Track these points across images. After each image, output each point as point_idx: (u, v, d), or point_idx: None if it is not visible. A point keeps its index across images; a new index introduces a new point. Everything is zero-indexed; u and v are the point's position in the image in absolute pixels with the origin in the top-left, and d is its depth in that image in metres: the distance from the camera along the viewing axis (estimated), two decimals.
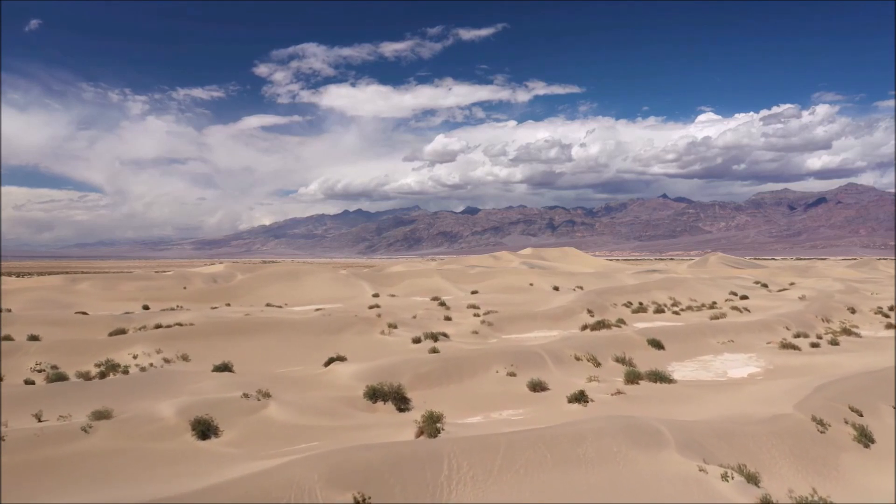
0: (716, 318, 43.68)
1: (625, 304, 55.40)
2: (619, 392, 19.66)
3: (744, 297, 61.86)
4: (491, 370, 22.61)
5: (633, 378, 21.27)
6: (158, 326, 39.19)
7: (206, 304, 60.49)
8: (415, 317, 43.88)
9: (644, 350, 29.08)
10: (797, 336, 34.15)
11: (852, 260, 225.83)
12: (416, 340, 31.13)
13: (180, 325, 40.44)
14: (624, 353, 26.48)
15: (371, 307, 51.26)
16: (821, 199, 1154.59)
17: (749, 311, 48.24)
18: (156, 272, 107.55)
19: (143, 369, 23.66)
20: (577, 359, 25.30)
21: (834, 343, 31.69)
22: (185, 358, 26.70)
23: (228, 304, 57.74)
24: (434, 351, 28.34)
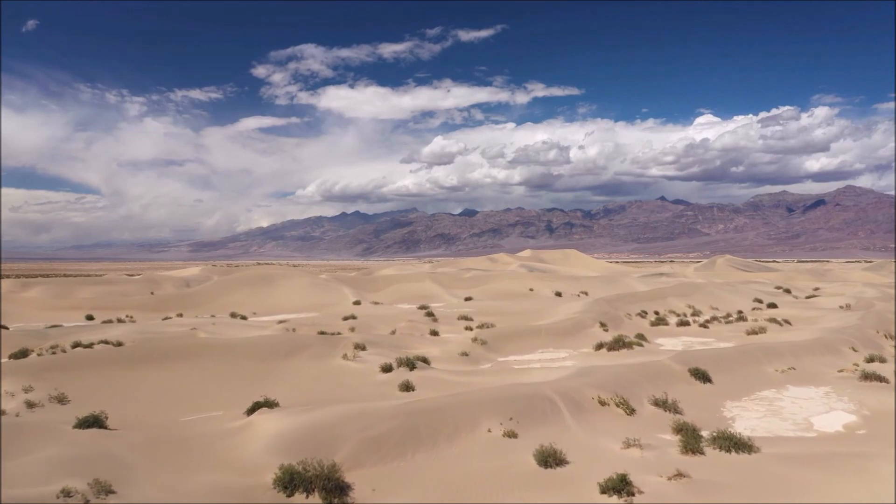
0: (754, 332, 36.60)
1: (639, 314, 48.29)
2: (679, 474, 12.49)
3: (772, 306, 54.78)
4: (480, 427, 15.40)
5: (692, 444, 14.09)
6: (77, 345, 32.15)
7: (162, 313, 53.30)
8: (394, 332, 36.75)
9: (686, 384, 21.93)
10: (870, 360, 27.02)
11: (861, 263, 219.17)
12: (387, 369, 23.92)
13: (106, 342, 33.51)
14: (665, 394, 19.29)
15: (346, 318, 44.14)
16: (819, 202, 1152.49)
17: (790, 323, 41.12)
18: (127, 275, 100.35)
19: None
20: (603, 403, 18.10)
21: None
22: (60, 399, 19.45)
23: (181, 315, 50.44)
24: (406, 387, 21.19)
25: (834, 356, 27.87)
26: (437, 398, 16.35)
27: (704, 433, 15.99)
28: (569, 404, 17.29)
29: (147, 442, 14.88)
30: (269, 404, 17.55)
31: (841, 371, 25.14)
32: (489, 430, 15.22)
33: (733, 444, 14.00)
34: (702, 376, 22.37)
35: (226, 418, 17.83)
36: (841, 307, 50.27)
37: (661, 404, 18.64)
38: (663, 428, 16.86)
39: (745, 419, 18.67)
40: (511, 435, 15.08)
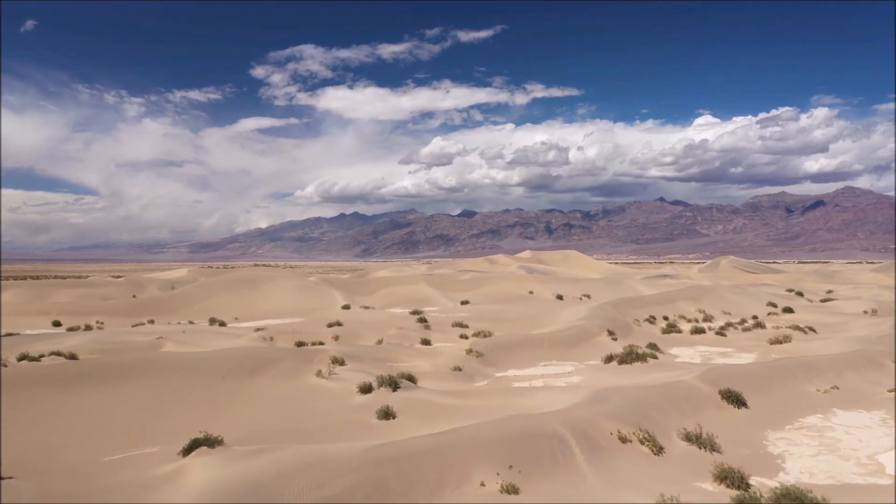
0: (777, 342, 33.22)
1: (648, 320, 44.95)
2: None
3: (788, 310, 51.46)
4: (471, 479, 12.02)
5: None
6: (23, 358, 28.70)
7: (138, 318, 49.91)
8: (380, 341, 33.37)
9: (717, 409, 18.57)
10: None
11: (862, 263, 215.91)
12: (366, 389, 20.51)
13: (59, 354, 30.09)
14: (699, 426, 15.89)
15: (331, 324, 40.72)
16: (818, 202, 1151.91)
17: (815, 330, 37.78)
18: (112, 277, 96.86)
19: None
20: (624, 440, 14.72)
21: None
22: None
23: (152, 321, 47.04)
24: (386, 414, 17.81)
25: (878, 372, 24.51)
26: (417, 439, 12.94)
27: (754, 481, 12.70)
28: (582, 443, 13.91)
29: (40, 497, 11.50)
30: (210, 442, 14.12)
31: (892, 391, 21.79)
32: (482, 484, 11.83)
33: None
34: (735, 399, 19.01)
35: (158, 458, 14.44)
36: (865, 312, 46.97)
37: (695, 440, 15.25)
38: (701, 473, 13.51)
39: (797, 457, 15.31)
40: (511, 490, 11.68)
